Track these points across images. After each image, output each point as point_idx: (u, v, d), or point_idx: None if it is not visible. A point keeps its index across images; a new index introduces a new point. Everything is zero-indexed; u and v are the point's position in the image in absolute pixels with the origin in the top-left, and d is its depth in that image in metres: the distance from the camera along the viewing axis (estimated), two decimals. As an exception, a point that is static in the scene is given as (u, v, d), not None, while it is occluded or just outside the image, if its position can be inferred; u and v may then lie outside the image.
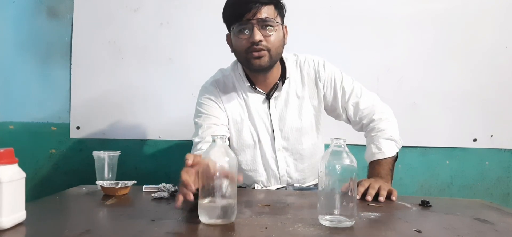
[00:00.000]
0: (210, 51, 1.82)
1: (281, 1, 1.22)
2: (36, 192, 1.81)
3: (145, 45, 1.85)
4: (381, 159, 1.24)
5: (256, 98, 1.30)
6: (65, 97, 1.87)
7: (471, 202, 1.19)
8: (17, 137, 1.87)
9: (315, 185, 1.37)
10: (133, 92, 1.86)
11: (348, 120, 1.37)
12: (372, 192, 1.08)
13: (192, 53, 1.84)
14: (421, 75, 1.82)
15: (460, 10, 1.81)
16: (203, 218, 0.80)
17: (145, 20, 1.85)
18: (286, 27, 1.26)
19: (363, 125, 1.35)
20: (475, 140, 1.83)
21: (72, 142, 1.87)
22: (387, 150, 1.25)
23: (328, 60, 1.35)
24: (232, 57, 1.32)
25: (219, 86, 1.33)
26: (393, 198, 1.09)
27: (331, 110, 1.36)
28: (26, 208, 0.79)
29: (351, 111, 1.33)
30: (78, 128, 1.87)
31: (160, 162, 1.87)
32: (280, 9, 1.22)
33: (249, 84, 1.29)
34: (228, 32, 1.26)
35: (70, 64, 1.87)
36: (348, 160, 0.80)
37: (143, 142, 1.87)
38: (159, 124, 1.86)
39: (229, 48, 1.27)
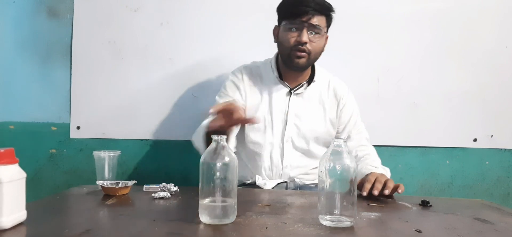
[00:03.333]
0: (210, 51, 1.82)
1: (332, 14, 1.34)
2: (36, 192, 1.81)
3: (145, 45, 1.85)
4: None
5: (280, 90, 1.40)
6: (65, 97, 1.87)
7: (471, 202, 1.19)
8: (17, 137, 1.87)
9: (316, 185, 1.38)
10: (133, 92, 1.86)
11: None
12: (379, 186, 1.09)
13: (192, 53, 1.84)
14: (421, 75, 1.82)
15: (460, 10, 1.81)
16: (203, 218, 0.80)
17: (145, 20, 1.85)
18: (327, 36, 1.38)
19: (357, 156, 1.39)
20: (475, 140, 1.83)
21: (72, 142, 1.87)
22: (380, 170, 1.29)
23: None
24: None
25: (246, 71, 1.44)
26: (400, 191, 1.10)
27: (337, 132, 1.45)
28: (27, 208, 0.79)
29: (353, 142, 1.42)
30: (78, 128, 1.87)
31: (160, 162, 1.87)
32: (330, 21, 1.35)
33: (277, 74, 1.40)
34: (276, 25, 1.38)
35: (70, 64, 1.86)
36: (348, 160, 0.81)
37: (143, 142, 1.87)
38: (160, 124, 1.86)
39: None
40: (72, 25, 1.87)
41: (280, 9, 1.36)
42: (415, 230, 0.79)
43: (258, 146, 1.38)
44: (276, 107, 1.38)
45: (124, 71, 1.86)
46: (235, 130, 1.27)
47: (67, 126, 1.87)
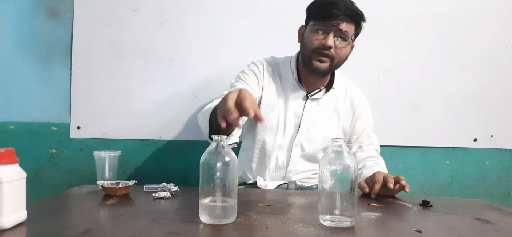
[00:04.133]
0: (210, 51, 1.82)
1: (362, 23, 1.30)
2: (36, 192, 1.81)
3: (145, 45, 1.85)
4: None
5: (297, 92, 1.36)
6: (65, 97, 1.87)
7: (471, 202, 1.19)
8: (17, 137, 1.87)
9: (316, 185, 1.38)
10: (134, 92, 1.86)
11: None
12: (391, 179, 1.09)
13: (192, 53, 1.84)
14: (421, 75, 1.82)
15: (460, 10, 1.81)
16: (203, 218, 0.80)
17: (145, 20, 1.85)
18: (353, 45, 1.34)
19: (364, 166, 1.36)
20: (475, 140, 1.83)
21: (72, 142, 1.87)
22: (384, 170, 1.29)
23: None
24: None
25: (267, 66, 1.40)
26: (407, 190, 1.10)
27: (348, 141, 1.43)
28: (27, 208, 0.79)
29: (364, 153, 1.39)
30: (78, 128, 1.87)
31: (160, 162, 1.87)
32: (359, 29, 1.32)
33: (296, 77, 1.36)
34: (303, 24, 1.34)
35: (70, 64, 1.86)
36: (349, 160, 0.81)
37: (143, 142, 1.87)
38: (160, 124, 1.86)
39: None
40: (72, 25, 1.87)
41: (310, 9, 1.31)
42: (416, 230, 0.79)
43: (268, 146, 1.35)
44: (291, 110, 1.35)
45: (124, 71, 1.86)
46: (241, 122, 1.19)
47: (67, 126, 1.87)
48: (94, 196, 1.08)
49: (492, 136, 1.82)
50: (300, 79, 1.36)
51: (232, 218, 0.80)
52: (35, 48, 1.87)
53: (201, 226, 0.79)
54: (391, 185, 1.07)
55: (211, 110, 1.14)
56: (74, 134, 1.87)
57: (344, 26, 1.24)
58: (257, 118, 0.86)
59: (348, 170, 0.80)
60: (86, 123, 1.86)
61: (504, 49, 1.81)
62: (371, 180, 1.14)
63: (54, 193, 1.10)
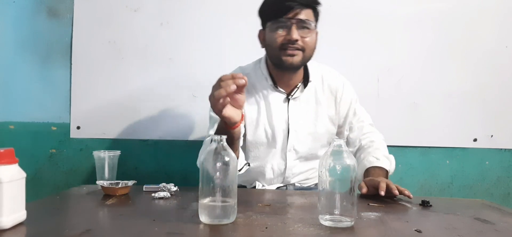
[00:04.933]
0: (210, 51, 1.82)
1: (318, 7, 1.25)
2: (36, 192, 1.81)
3: (145, 45, 1.85)
4: (378, 166, 1.25)
5: (276, 97, 1.32)
6: (65, 97, 1.87)
7: (471, 202, 1.19)
8: (17, 137, 1.87)
9: (315, 184, 1.38)
10: (133, 92, 1.86)
11: (348, 141, 1.40)
12: (394, 186, 1.07)
13: (192, 53, 1.84)
14: (421, 75, 1.82)
15: (460, 10, 1.81)
16: (203, 218, 0.80)
17: (145, 20, 1.85)
18: (317, 33, 1.28)
19: (360, 146, 1.36)
20: (475, 140, 1.83)
21: (72, 142, 1.87)
22: (384, 162, 1.27)
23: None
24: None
25: None
26: (411, 196, 1.08)
27: (338, 126, 1.40)
28: (27, 208, 0.79)
29: (355, 132, 1.38)
30: (78, 128, 1.87)
31: (160, 162, 1.87)
32: (317, 15, 1.26)
33: (272, 82, 1.31)
34: (261, 29, 1.29)
35: (70, 64, 1.87)
36: (348, 160, 0.80)
37: (143, 142, 1.87)
38: (160, 124, 1.86)
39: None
40: (72, 25, 1.87)
41: (263, 11, 1.26)
42: (415, 230, 0.79)
43: (262, 160, 1.32)
44: (276, 118, 1.30)
45: (124, 71, 1.86)
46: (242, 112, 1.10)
47: (67, 126, 1.87)
48: (93, 196, 1.08)
49: (492, 136, 1.82)
50: (276, 83, 1.31)
51: (232, 218, 0.80)
52: (35, 48, 1.87)
53: (201, 226, 0.79)
54: (396, 192, 1.05)
55: (217, 123, 1.13)
56: (74, 134, 1.87)
57: (303, 15, 1.19)
58: (239, 84, 0.91)
59: (348, 170, 0.80)
60: (86, 123, 1.86)
61: (504, 49, 1.81)
62: (371, 184, 1.12)
63: (54, 193, 1.10)
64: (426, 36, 1.82)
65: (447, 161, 1.84)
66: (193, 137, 1.84)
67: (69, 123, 1.87)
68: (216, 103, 0.95)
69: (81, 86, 1.86)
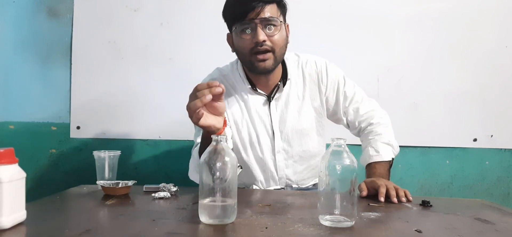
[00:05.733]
0: (210, 51, 1.82)
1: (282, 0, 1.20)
2: (36, 192, 1.81)
3: (145, 45, 1.85)
4: (379, 161, 1.24)
5: (257, 100, 1.28)
6: (65, 97, 1.87)
7: (471, 202, 1.19)
8: (17, 137, 1.87)
9: (315, 185, 1.37)
10: (133, 92, 1.86)
11: (348, 125, 1.37)
12: (394, 193, 1.06)
13: (192, 53, 1.84)
14: (421, 75, 1.82)
15: (460, 10, 1.81)
16: (203, 218, 0.80)
17: (145, 20, 1.85)
18: (288, 25, 1.23)
19: (361, 129, 1.34)
20: (475, 140, 1.83)
21: (72, 142, 1.87)
22: (385, 153, 1.25)
23: (328, 60, 1.34)
24: (233, 58, 1.32)
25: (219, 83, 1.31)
26: (410, 200, 1.07)
27: (332, 114, 1.36)
28: (26, 208, 0.79)
29: (351, 116, 1.33)
30: (78, 128, 1.87)
31: (160, 162, 1.87)
32: (283, 8, 1.19)
33: (250, 86, 1.27)
34: (228, 32, 1.23)
35: (70, 64, 1.87)
36: (348, 160, 0.80)
37: (143, 142, 1.87)
38: (160, 124, 1.86)
39: (229, 49, 1.26)
40: (72, 25, 1.87)
41: (227, 13, 1.19)
42: (415, 230, 0.79)
43: (251, 164, 1.29)
44: (258, 121, 1.27)
45: (124, 71, 1.86)
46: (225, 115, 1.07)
47: (67, 126, 1.87)
48: (93, 196, 1.08)
49: (492, 136, 1.82)
50: (254, 86, 1.27)
51: (232, 218, 0.80)
52: (35, 48, 1.88)
53: (201, 226, 0.79)
54: (395, 200, 1.04)
55: (200, 138, 1.12)
56: (74, 134, 1.87)
57: (266, 12, 1.12)
58: (215, 93, 0.90)
59: (348, 170, 0.80)
60: (86, 123, 1.87)
61: (504, 49, 1.81)
62: (371, 186, 1.12)
63: (53, 193, 1.10)
64: (426, 36, 1.82)
65: (447, 161, 1.84)
66: (193, 137, 1.84)
67: (69, 123, 1.87)
68: (192, 114, 0.92)
69: (81, 86, 1.86)
